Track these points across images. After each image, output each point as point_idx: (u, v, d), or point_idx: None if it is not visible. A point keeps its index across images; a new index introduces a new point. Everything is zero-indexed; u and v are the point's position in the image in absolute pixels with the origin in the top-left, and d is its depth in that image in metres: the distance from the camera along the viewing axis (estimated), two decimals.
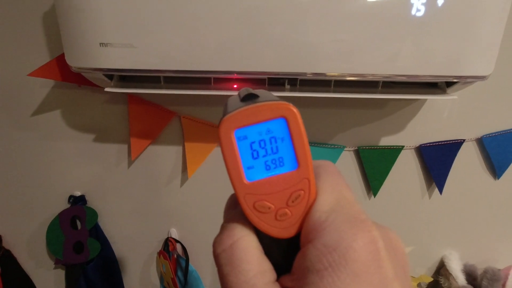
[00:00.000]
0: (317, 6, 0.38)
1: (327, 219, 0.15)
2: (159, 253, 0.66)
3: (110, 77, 0.45)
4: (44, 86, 0.55)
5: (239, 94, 0.18)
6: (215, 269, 0.64)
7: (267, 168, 0.16)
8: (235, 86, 0.46)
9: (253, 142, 0.15)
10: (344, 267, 0.13)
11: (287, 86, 0.46)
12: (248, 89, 0.17)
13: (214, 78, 0.46)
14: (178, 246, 0.67)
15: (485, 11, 0.39)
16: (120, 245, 0.66)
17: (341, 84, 0.47)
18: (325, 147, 0.60)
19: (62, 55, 0.50)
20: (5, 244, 0.65)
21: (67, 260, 0.62)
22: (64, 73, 0.50)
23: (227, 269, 0.15)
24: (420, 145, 0.61)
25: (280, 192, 0.16)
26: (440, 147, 0.61)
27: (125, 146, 0.60)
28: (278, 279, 0.16)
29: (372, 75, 0.42)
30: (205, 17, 0.38)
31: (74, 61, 0.40)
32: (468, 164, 0.63)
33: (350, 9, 0.38)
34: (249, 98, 0.16)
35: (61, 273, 0.68)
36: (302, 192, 0.16)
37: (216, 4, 0.37)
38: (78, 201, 0.61)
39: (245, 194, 0.15)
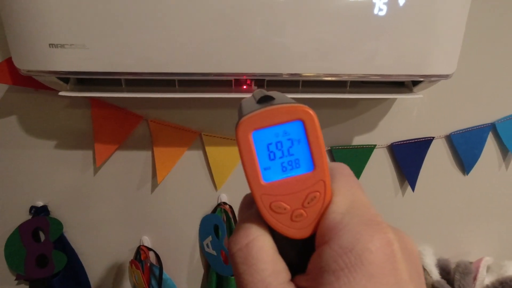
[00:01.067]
0: (282, 8, 0.37)
1: (343, 220, 0.15)
2: (131, 263, 0.63)
3: (66, 80, 0.42)
4: None
5: (253, 96, 0.18)
6: (190, 276, 0.62)
7: (284, 169, 0.16)
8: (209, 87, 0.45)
9: (270, 144, 0.16)
10: (360, 268, 0.13)
11: (255, 88, 0.45)
12: (262, 91, 0.18)
13: (178, 80, 0.44)
14: (151, 254, 0.64)
15: (445, 11, 0.40)
16: (89, 256, 0.63)
17: (310, 85, 0.47)
18: None
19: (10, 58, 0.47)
20: None
21: (29, 275, 0.58)
22: (16, 77, 0.46)
23: (243, 267, 0.15)
24: (392, 144, 0.61)
25: (296, 193, 0.16)
26: (411, 145, 0.62)
27: (90, 152, 0.57)
28: (292, 279, 0.16)
29: (340, 75, 0.42)
30: (162, 16, 0.36)
31: (23, 64, 0.37)
32: (438, 161, 0.64)
33: (322, 10, 0.38)
34: (265, 100, 0.16)
35: None
36: (318, 193, 0.16)
37: (176, 2, 0.36)
38: (40, 212, 0.58)
39: (261, 194, 0.16)
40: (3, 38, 0.49)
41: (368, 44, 0.40)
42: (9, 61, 0.45)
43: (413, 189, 0.64)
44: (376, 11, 0.38)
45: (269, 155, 0.16)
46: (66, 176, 0.57)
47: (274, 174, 0.16)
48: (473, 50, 0.57)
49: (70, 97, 0.53)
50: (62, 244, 0.60)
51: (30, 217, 0.58)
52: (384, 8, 0.38)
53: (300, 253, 0.16)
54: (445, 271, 0.68)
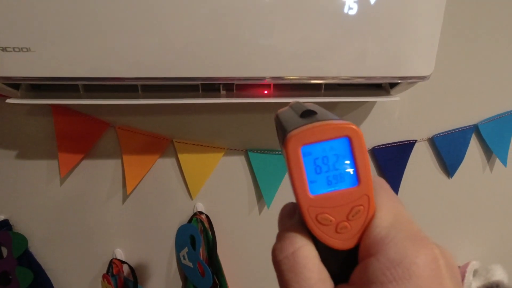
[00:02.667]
0: (259, 10, 0.35)
1: (388, 235, 0.16)
2: (103, 277, 0.60)
3: (17, 86, 0.39)
4: None
5: (292, 108, 0.19)
6: None
7: (329, 183, 0.17)
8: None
9: (316, 158, 0.16)
10: (408, 281, 0.14)
11: (222, 92, 0.43)
12: (301, 103, 0.19)
13: (141, 85, 0.41)
14: (125, 267, 0.61)
15: (419, 11, 0.38)
16: (57, 271, 0.59)
17: (281, 88, 0.44)
18: (275, 153, 0.57)
19: None
20: None
21: None
22: None
23: (289, 275, 0.16)
24: (373, 147, 0.59)
25: (341, 207, 0.17)
26: (393, 148, 0.60)
27: (55, 162, 0.53)
28: None
29: (313, 77, 0.40)
30: (112, 14, 0.33)
31: None
32: (421, 164, 0.62)
33: (297, 12, 0.35)
34: (308, 114, 0.17)
35: None
36: (362, 207, 0.17)
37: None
38: (1, 227, 0.54)
39: (308, 206, 0.16)
40: None
41: (341, 45, 0.37)
42: None
43: (396, 192, 0.62)
44: (346, 9, 0.36)
45: (316, 169, 0.16)
46: (29, 188, 0.54)
47: (320, 187, 0.17)
48: (454, 50, 0.55)
49: (28, 103, 0.50)
50: (27, 260, 0.57)
51: None
52: (355, 6, 0.36)
53: (342, 264, 0.17)
54: None
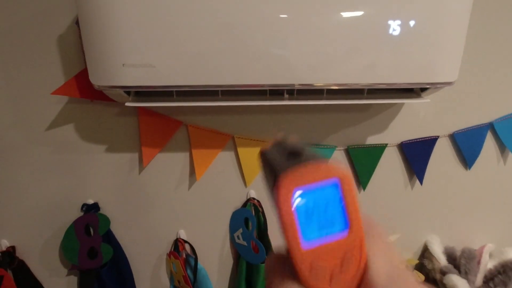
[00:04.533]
0: (312, 26, 0.45)
1: None
2: (169, 254, 0.70)
3: (128, 92, 0.49)
4: (58, 103, 0.59)
5: (277, 146, 0.18)
6: (221, 266, 0.71)
7: (320, 230, 0.16)
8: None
9: (307, 204, 0.16)
10: None
11: (286, 96, 0.53)
12: (286, 142, 0.18)
13: (221, 90, 0.52)
14: (187, 246, 0.71)
15: (448, 30, 0.47)
16: (132, 248, 0.70)
17: (331, 92, 0.54)
18: (318, 147, 0.67)
19: (79, 74, 0.54)
20: (19, 255, 0.67)
21: (82, 265, 0.65)
22: (81, 90, 0.54)
23: None
24: (402, 142, 0.69)
25: (333, 256, 0.16)
26: (418, 143, 0.69)
27: (136, 155, 0.64)
28: None
29: (355, 84, 0.49)
30: (212, 42, 0.44)
31: (98, 80, 0.45)
32: (443, 157, 0.71)
33: (340, 28, 0.45)
34: (295, 155, 0.17)
35: (73, 280, 0.71)
36: (354, 255, 0.16)
37: (218, 31, 0.43)
38: (90, 209, 0.65)
39: (300, 257, 0.16)
40: (64, 59, 0.57)
41: (380, 58, 0.47)
42: (77, 78, 0.53)
43: (421, 183, 0.71)
44: (391, 31, 0.46)
45: (307, 214, 0.16)
46: (114, 176, 0.65)
47: (311, 235, 0.16)
48: (472, 59, 0.65)
49: (120, 106, 0.60)
50: (109, 238, 0.67)
51: (82, 214, 0.65)
52: (398, 28, 0.45)
53: None
54: (452, 258, 0.75)
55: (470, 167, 0.73)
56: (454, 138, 0.70)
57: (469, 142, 0.71)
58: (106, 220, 0.66)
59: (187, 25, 0.42)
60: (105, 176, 0.64)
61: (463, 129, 0.69)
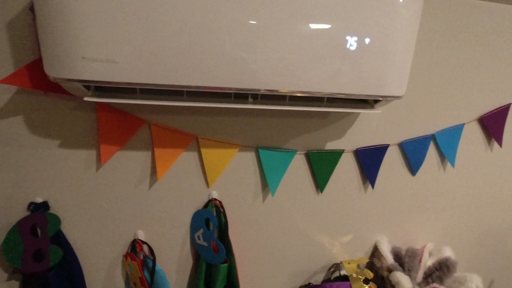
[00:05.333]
0: (279, 34, 0.47)
1: None
2: (126, 255, 0.68)
3: (87, 86, 0.47)
4: (5, 92, 0.55)
5: None
6: (180, 268, 0.71)
7: None
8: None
9: None
10: None
11: (250, 100, 0.54)
12: None
13: (186, 91, 0.52)
14: (145, 247, 0.69)
15: (397, 49, 0.53)
16: (84, 250, 0.66)
17: (294, 98, 0.57)
18: (280, 151, 0.69)
19: (32, 63, 0.51)
20: None
21: (26, 269, 0.60)
22: (33, 81, 0.50)
23: None
24: (357, 149, 0.74)
25: None
26: (371, 150, 0.75)
27: (93, 152, 0.61)
28: None
29: (318, 92, 0.53)
30: (180, 41, 0.44)
31: (54, 72, 0.43)
32: (392, 163, 0.78)
33: (300, 39, 0.48)
34: None
35: (15, 285, 0.65)
36: None
37: (186, 30, 0.44)
38: (38, 208, 0.61)
39: None
40: (17, 46, 0.53)
41: (340, 70, 0.51)
42: (28, 67, 0.50)
43: (373, 187, 0.77)
44: (348, 45, 0.49)
45: None
46: (68, 174, 0.61)
47: None
48: (419, 76, 0.72)
49: (77, 100, 0.58)
50: (59, 239, 0.63)
51: (28, 213, 0.61)
52: (355, 44, 0.49)
53: None
54: (398, 256, 0.82)
55: (415, 174, 0.80)
56: (403, 146, 0.77)
57: (415, 150, 0.78)
58: (56, 220, 0.62)
59: (154, 21, 0.42)
60: (57, 173, 0.61)
61: (410, 139, 0.77)
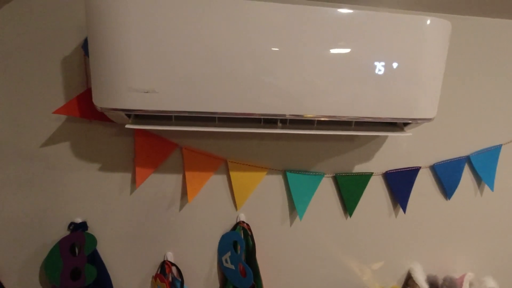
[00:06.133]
0: (305, 61, 0.49)
1: None
2: (155, 277, 0.69)
3: (129, 115, 0.51)
4: (56, 120, 0.60)
5: None
6: None
7: None
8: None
9: None
10: None
11: (279, 124, 0.56)
12: None
13: (218, 117, 0.54)
14: (174, 269, 0.70)
15: (426, 71, 0.53)
16: (116, 269, 0.69)
17: (321, 122, 0.58)
18: (308, 174, 0.69)
19: (81, 95, 0.56)
20: None
21: (64, 286, 0.63)
22: (81, 110, 0.55)
23: None
24: (386, 172, 0.72)
25: None
26: (402, 173, 0.73)
27: (128, 175, 0.65)
28: None
29: (345, 116, 0.53)
30: (211, 72, 0.47)
31: (102, 102, 0.47)
32: (424, 187, 0.75)
33: (330, 65, 0.50)
34: None
35: None
36: None
37: (215, 61, 0.47)
38: (78, 228, 0.64)
39: None
40: (67, 80, 0.58)
41: (367, 94, 0.51)
42: (79, 98, 0.55)
43: (404, 211, 0.74)
44: (376, 71, 0.50)
45: None
46: (105, 196, 0.65)
47: None
48: (450, 97, 0.71)
49: (118, 127, 0.62)
50: (94, 258, 0.66)
51: (68, 232, 0.64)
52: (382, 69, 0.50)
53: None
54: (434, 286, 0.77)
55: (449, 197, 0.77)
56: (435, 169, 0.74)
57: (449, 173, 0.75)
58: (93, 240, 0.65)
59: (188, 54, 0.45)
60: (95, 195, 0.64)
61: (442, 161, 0.74)
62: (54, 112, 0.53)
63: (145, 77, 0.45)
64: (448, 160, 0.74)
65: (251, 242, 0.69)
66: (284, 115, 0.51)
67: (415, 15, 0.50)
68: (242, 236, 0.69)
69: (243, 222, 0.70)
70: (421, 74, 0.53)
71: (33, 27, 0.56)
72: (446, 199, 0.77)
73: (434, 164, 0.74)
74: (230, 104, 0.50)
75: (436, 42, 0.53)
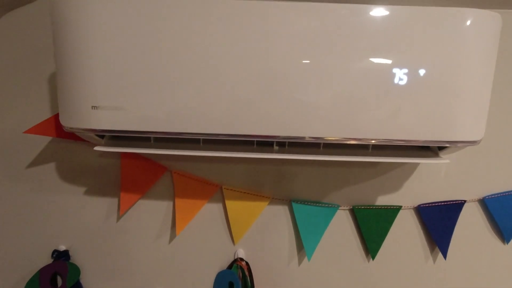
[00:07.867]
0: (307, 73, 0.40)
1: None
2: None
3: (102, 135, 0.45)
4: (43, 141, 0.57)
5: None
6: None
7: None
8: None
9: None
10: None
11: (275, 148, 0.46)
12: None
13: (203, 139, 0.46)
14: None
15: (469, 78, 0.40)
16: None
17: (332, 146, 0.47)
18: (318, 206, 0.58)
19: (57, 114, 0.52)
20: None
21: None
22: (58, 130, 0.51)
23: None
24: (419, 206, 0.58)
25: None
26: (440, 207, 0.59)
27: (115, 200, 0.59)
28: None
29: (366, 139, 0.42)
30: (190, 85, 0.39)
31: (67, 122, 0.41)
32: (472, 226, 0.59)
33: (342, 78, 0.40)
34: None
35: None
36: None
37: (204, 71, 0.39)
38: (61, 256, 0.59)
39: None
40: (50, 96, 0.55)
41: (396, 112, 0.40)
42: (56, 117, 0.51)
43: (445, 256, 0.59)
44: (396, 80, 0.39)
45: None
46: (89, 222, 0.59)
47: None
48: (502, 114, 0.56)
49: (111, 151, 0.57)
50: None
51: (51, 260, 0.59)
52: (405, 78, 0.39)
53: None
54: None
55: (508, 241, 0.60)
56: (485, 203, 0.58)
57: (504, 209, 0.59)
58: (76, 271, 0.60)
59: (161, 69, 0.39)
60: (80, 221, 0.59)
61: (495, 194, 0.58)
62: (25, 132, 0.49)
63: (112, 93, 0.39)
64: (503, 192, 0.58)
65: (249, 284, 0.58)
66: (303, 138, 0.42)
67: (454, 8, 0.39)
68: (240, 277, 0.59)
69: (241, 259, 0.60)
70: (460, 86, 0.40)
71: (18, 44, 0.54)
72: (504, 243, 0.60)
73: (484, 197, 0.58)
74: (214, 125, 0.41)
75: (483, 42, 0.40)
